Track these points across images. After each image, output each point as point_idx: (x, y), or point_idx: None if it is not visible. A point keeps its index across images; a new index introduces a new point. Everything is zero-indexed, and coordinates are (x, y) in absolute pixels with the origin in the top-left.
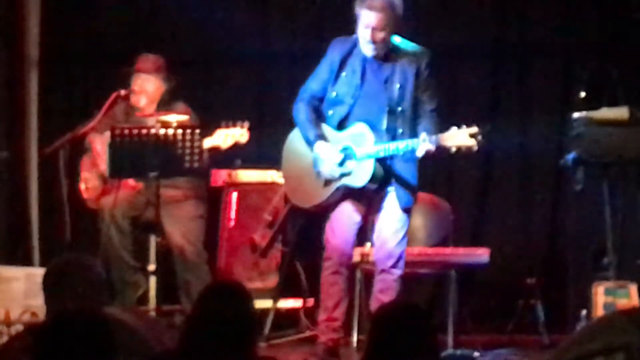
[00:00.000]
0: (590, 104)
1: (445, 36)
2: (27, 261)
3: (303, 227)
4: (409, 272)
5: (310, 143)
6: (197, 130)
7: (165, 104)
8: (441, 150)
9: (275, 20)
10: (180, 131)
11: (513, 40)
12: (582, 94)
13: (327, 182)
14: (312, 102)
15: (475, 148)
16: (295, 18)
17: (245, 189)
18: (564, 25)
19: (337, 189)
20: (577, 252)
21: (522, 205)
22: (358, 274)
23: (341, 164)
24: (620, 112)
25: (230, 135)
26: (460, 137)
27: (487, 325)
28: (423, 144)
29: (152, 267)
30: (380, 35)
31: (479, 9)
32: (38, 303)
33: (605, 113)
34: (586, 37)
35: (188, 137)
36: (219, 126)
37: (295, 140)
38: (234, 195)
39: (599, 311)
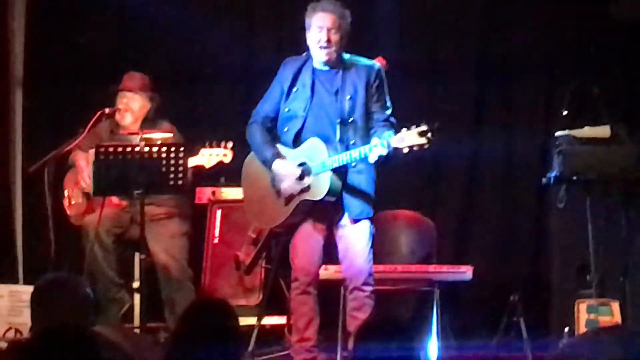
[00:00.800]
0: (573, 121)
1: (431, 53)
2: (11, 278)
3: (286, 244)
4: (393, 288)
5: (267, 162)
6: (181, 149)
7: (150, 122)
8: (394, 153)
9: (260, 37)
10: (164, 149)
11: (497, 58)
12: (565, 112)
13: (288, 200)
14: (265, 123)
15: (427, 146)
16: (279, 35)
17: (229, 206)
18: (546, 44)
19: (298, 205)
20: (560, 269)
21: (505, 222)
22: (341, 291)
23: (300, 179)
24: (602, 130)
25: (214, 155)
26: (410, 138)
27: (471, 342)
28: (375, 149)
29: (136, 284)
30: (335, 37)
31: (464, 26)
32: (22, 320)
33: (588, 131)
34: (568, 56)
35: (172, 155)
36: (203, 146)
37: (252, 163)
38: (218, 212)
39: (582, 328)
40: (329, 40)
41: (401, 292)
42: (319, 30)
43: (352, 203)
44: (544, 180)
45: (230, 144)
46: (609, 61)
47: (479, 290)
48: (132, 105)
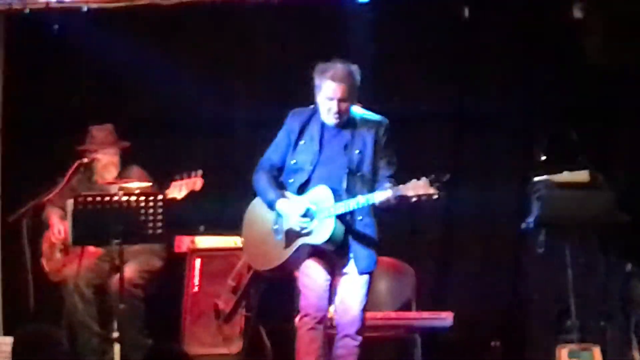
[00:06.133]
0: (551, 167)
1: (410, 101)
2: None
3: (266, 292)
4: (373, 335)
5: (271, 203)
6: (159, 197)
7: (121, 170)
8: (401, 200)
9: (238, 87)
10: (142, 198)
11: (475, 104)
12: (543, 157)
13: (288, 243)
14: (272, 172)
15: (436, 196)
16: (257, 85)
17: (208, 255)
18: (524, 90)
19: (299, 248)
20: (540, 314)
21: (484, 268)
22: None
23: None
24: (581, 175)
25: (184, 185)
26: (420, 187)
27: None
28: (381, 193)
29: (115, 334)
30: (344, 105)
31: (442, 74)
32: None
33: (566, 176)
34: (546, 101)
35: (150, 204)
36: (173, 179)
37: (256, 207)
38: (197, 261)
39: None
40: (339, 112)
41: (382, 339)
42: (329, 99)
43: (361, 255)
44: (523, 225)
45: (200, 172)
46: (586, 106)
47: (459, 336)
48: (104, 156)
